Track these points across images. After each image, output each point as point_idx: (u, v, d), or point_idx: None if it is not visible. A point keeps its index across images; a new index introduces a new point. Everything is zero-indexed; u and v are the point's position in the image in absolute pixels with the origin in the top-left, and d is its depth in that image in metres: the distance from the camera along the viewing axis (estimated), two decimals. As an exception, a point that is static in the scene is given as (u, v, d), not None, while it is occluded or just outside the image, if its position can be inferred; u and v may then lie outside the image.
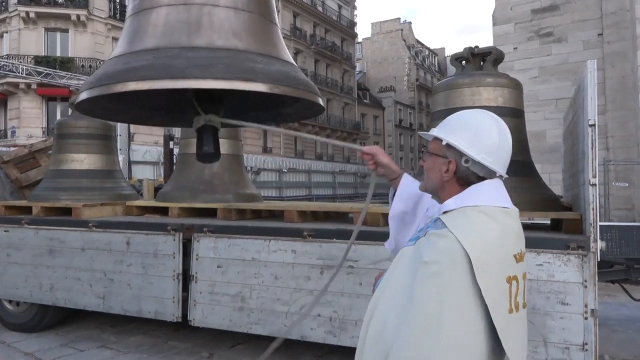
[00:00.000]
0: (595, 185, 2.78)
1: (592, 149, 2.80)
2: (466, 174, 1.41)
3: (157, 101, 2.78)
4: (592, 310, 2.76)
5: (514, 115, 3.72)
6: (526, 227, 3.87)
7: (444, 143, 1.43)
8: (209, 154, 2.27)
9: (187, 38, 2.16)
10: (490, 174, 1.41)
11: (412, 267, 1.33)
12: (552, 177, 9.01)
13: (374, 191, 2.02)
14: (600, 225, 2.86)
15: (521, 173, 3.61)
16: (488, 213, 1.35)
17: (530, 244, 2.96)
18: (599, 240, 2.80)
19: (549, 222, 3.86)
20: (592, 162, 2.79)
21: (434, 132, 1.48)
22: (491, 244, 1.30)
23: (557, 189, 4.97)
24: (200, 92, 2.30)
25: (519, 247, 1.40)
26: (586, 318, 2.77)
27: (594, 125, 2.80)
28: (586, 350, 2.75)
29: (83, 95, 2.18)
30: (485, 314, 1.26)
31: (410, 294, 1.28)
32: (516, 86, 3.76)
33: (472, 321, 1.25)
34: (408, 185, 1.82)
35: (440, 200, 1.48)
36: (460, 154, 1.40)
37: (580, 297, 2.79)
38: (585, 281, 2.79)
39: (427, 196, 1.69)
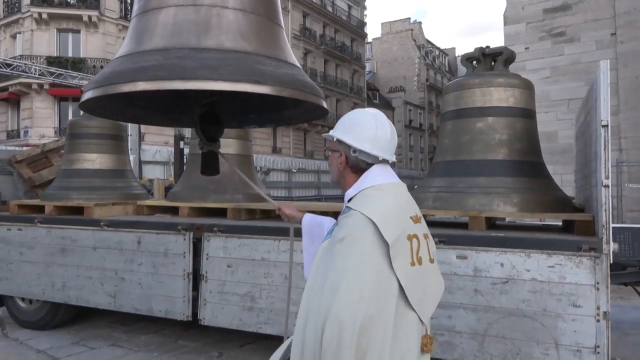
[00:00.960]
0: (608, 186, 2.75)
1: (604, 150, 2.77)
2: (356, 162, 1.68)
3: (158, 101, 2.79)
4: (605, 313, 2.74)
5: (525, 116, 3.70)
6: (537, 228, 3.86)
7: (335, 140, 1.73)
8: (211, 174, 2.71)
9: (197, 39, 2.15)
10: (375, 159, 1.67)
11: (329, 253, 1.55)
12: (564, 179, 8.93)
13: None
14: (612, 227, 2.83)
15: (532, 174, 3.59)
16: (382, 188, 1.64)
17: (542, 245, 2.94)
18: (611, 242, 2.77)
19: (560, 223, 3.83)
20: (605, 163, 2.76)
21: (331, 132, 1.75)
22: (388, 209, 1.57)
23: (569, 190, 4.92)
24: (205, 116, 2.51)
25: (414, 211, 1.68)
26: (598, 320, 2.74)
27: (607, 125, 2.77)
28: (598, 353, 2.73)
29: (89, 94, 2.16)
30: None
31: (327, 269, 1.50)
32: (527, 86, 3.73)
33: (387, 275, 1.48)
34: (308, 222, 2.15)
35: (343, 189, 1.74)
36: (348, 146, 1.67)
37: (593, 300, 2.77)
38: (598, 283, 2.77)
39: (327, 220, 2.08)
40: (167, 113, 2.95)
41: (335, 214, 4.82)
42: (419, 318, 1.56)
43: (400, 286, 1.50)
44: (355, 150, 1.67)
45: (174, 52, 2.09)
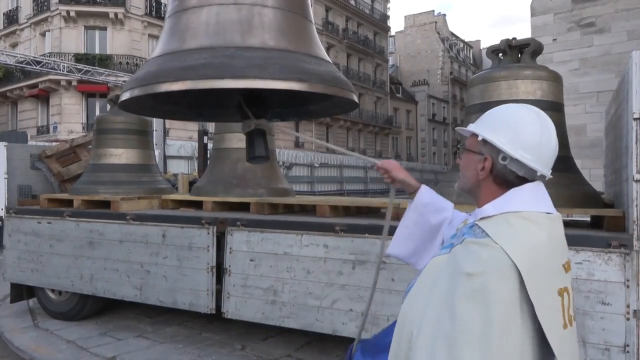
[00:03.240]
0: (639, 181, 2.67)
1: (636, 143, 2.69)
2: (503, 173, 1.31)
3: (188, 97, 2.82)
4: (635, 311, 2.66)
5: (553, 109, 3.61)
6: (565, 224, 3.76)
7: (479, 139, 1.34)
8: (260, 156, 2.33)
9: (241, 37, 2.17)
10: (531, 174, 1.30)
11: (448, 279, 1.22)
12: (593, 173, 8.71)
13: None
14: (644, 223, 2.74)
15: (560, 168, 3.49)
16: (533, 220, 1.24)
17: (569, 241, 2.86)
18: (642, 239, 2.69)
19: (588, 219, 3.74)
20: (636, 157, 2.68)
21: (471, 127, 1.39)
22: (540, 254, 1.19)
23: (598, 185, 4.80)
24: (248, 95, 2.34)
25: (566, 255, 1.31)
26: (628, 319, 2.67)
27: (639, 118, 2.69)
28: (628, 352, 2.66)
29: (136, 92, 2.14)
30: (536, 332, 1.16)
31: (451, 309, 1.16)
32: (555, 79, 3.64)
33: (521, 339, 1.14)
34: (425, 196, 1.77)
35: (477, 201, 1.39)
36: (497, 150, 1.30)
37: (622, 297, 2.70)
38: (628, 281, 2.69)
39: (449, 209, 1.70)
40: (194, 108, 2.99)
41: (358, 210, 4.78)
42: None
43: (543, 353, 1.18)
44: (505, 158, 1.29)
45: (220, 50, 2.10)
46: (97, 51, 24.15)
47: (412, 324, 1.29)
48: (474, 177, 1.38)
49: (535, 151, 1.29)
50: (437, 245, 1.69)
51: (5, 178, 5.53)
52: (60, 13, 23.53)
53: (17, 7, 26.21)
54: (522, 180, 1.31)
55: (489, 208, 1.31)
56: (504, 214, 1.26)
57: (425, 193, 1.78)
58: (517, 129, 1.31)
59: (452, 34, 58.44)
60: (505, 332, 1.12)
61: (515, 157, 1.28)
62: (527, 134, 1.30)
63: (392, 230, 1.84)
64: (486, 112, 1.43)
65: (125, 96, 2.22)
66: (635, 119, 2.69)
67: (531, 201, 1.28)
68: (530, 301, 1.14)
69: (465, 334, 1.13)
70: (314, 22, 2.55)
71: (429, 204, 1.76)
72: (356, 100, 2.46)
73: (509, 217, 1.25)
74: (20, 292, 5.44)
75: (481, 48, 61.59)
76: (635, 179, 2.67)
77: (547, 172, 1.33)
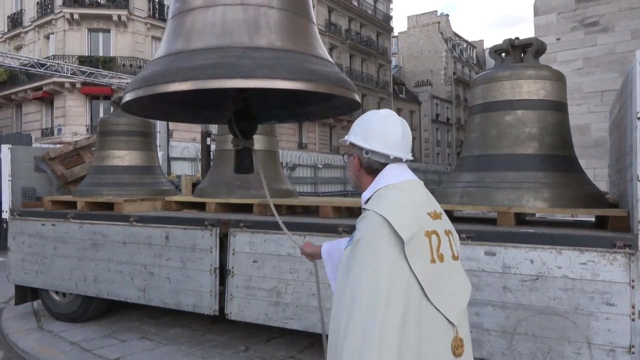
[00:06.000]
0: (643, 181, 2.65)
1: (640, 143, 2.67)
2: (369, 163, 1.67)
3: (186, 97, 2.81)
4: (640, 312, 2.65)
5: (556, 109, 3.60)
6: (569, 224, 3.76)
7: (347, 143, 1.73)
8: (245, 172, 2.67)
9: (248, 38, 2.17)
10: (387, 159, 1.64)
11: (349, 257, 1.53)
12: (597, 173, 8.67)
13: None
14: (649, 223, 2.72)
15: (563, 168, 3.49)
16: (396, 187, 1.61)
17: (574, 241, 2.86)
18: (647, 239, 2.67)
19: (593, 219, 3.72)
20: (641, 157, 2.66)
21: (346, 137, 1.74)
22: (403, 207, 1.53)
23: (602, 185, 4.78)
24: (239, 113, 2.50)
25: (432, 207, 1.63)
26: (633, 320, 2.65)
27: (643, 118, 2.67)
28: (633, 353, 2.64)
29: (140, 92, 2.14)
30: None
31: (349, 270, 1.49)
32: (559, 78, 3.63)
33: (407, 278, 1.43)
34: (326, 251, 2.10)
35: (362, 191, 1.72)
36: (360, 148, 1.67)
37: (627, 298, 2.68)
38: (633, 281, 2.68)
39: (344, 241, 1.97)
40: (193, 109, 2.98)
41: (361, 211, 4.80)
42: (447, 319, 1.49)
43: (420, 284, 1.45)
44: (367, 152, 1.65)
45: (228, 50, 2.10)
46: (100, 53, 24.22)
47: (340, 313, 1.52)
48: (353, 173, 1.74)
49: (383, 141, 1.64)
50: None
51: (9, 180, 5.54)
52: (64, 16, 23.61)
53: (21, 10, 26.33)
54: (385, 167, 1.66)
55: (366, 193, 1.68)
56: (376, 191, 1.63)
57: (324, 246, 2.13)
58: (367, 128, 1.68)
59: (455, 34, 58.34)
60: (392, 276, 1.41)
61: (371, 149, 1.65)
62: (374, 130, 1.67)
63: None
64: (353, 123, 1.78)
65: (130, 96, 2.21)
66: (639, 118, 2.67)
67: (394, 175, 1.64)
68: (402, 241, 1.44)
69: (360, 287, 1.42)
70: (316, 23, 2.56)
71: (329, 252, 2.07)
72: (359, 100, 2.46)
73: (380, 191, 1.62)
74: (24, 294, 5.46)
75: (484, 48, 61.46)
76: (639, 179, 2.66)
77: (402, 154, 1.65)
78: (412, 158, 1.68)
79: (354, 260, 1.48)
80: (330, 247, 2.11)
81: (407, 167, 1.69)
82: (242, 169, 2.64)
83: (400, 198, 1.56)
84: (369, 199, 1.64)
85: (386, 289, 1.39)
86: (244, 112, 2.55)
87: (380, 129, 1.66)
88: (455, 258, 1.60)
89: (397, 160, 1.65)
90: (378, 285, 1.40)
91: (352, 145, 1.71)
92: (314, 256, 2.24)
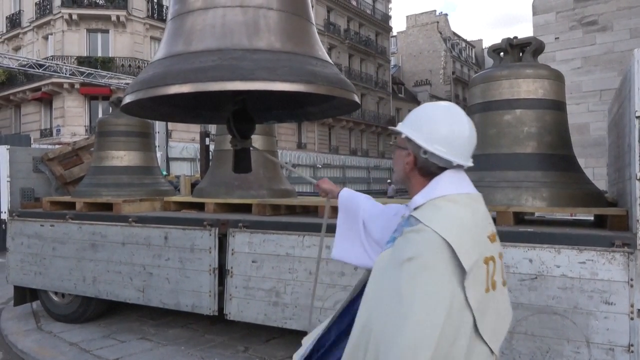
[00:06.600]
0: (642, 179, 2.65)
1: (639, 141, 2.67)
2: (426, 165, 1.48)
3: (186, 98, 2.81)
4: (639, 311, 2.64)
5: (555, 108, 3.60)
6: (568, 223, 3.76)
7: (404, 136, 1.52)
8: (244, 171, 2.67)
9: (248, 40, 2.17)
10: (448, 164, 1.46)
11: (393, 269, 1.35)
12: (596, 172, 8.68)
13: None
14: (648, 222, 2.72)
15: (562, 167, 3.49)
16: (456, 200, 1.42)
17: (573, 241, 2.86)
18: (646, 238, 2.67)
19: (592, 218, 3.72)
20: (639, 156, 2.66)
21: (399, 126, 1.55)
22: (465, 228, 1.36)
23: (601, 184, 4.78)
24: (237, 113, 2.50)
25: (490, 228, 1.48)
26: (632, 318, 2.65)
27: (642, 116, 2.67)
28: (632, 352, 2.64)
29: (140, 95, 2.13)
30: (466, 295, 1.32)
31: (399, 295, 1.30)
32: (557, 77, 3.63)
33: (462, 308, 1.29)
34: (346, 197, 2.05)
35: (409, 191, 1.55)
36: (418, 146, 1.47)
37: (626, 297, 2.68)
38: (632, 280, 2.68)
39: (367, 201, 1.97)
40: (192, 110, 2.98)
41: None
42: (490, 349, 1.38)
43: (474, 317, 1.32)
44: (425, 152, 1.46)
45: (228, 52, 2.10)
46: (99, 54, 24.19)
47: (368, 322, 1.41)
48: (402, 170, 1.55)
49: (448, 144, 1.45)
50: (370, 241, 1.91)
51: (8, 181, 5.54)
52: (62, 16, 23.58)
53: (19, 11, 26.29)
54: (443, 170, 1.48)
55: (418, 198, 1.47)
56: (431, 200, 1.43)
57: (345, 192, 2.06)
58: (432, 126, 1.47)
59: (454, 34, 58.36)
60: (450, 308, 1.27)
61: (432, 151, 1.45)
62: (440, 131, 1.46)
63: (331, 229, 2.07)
64: (412, 111, 1.59)
65: (131, 98, 2.20)
66: (637, 117, 2.68)
67: (453, 185, 1.46)
68: (462, 271, 1.29)
69: (416, 314, 1.26)
70: (315, 23, 2.56)
71: (348, 200, 2.02)
72: (358, 101, 2.47)
73: (435, 202, 1.42)
74: (23, 294, 5.45)
75: (483, 47, 61.48)
76: (638, 178, 2.66)
77: (464, 161, 1.48)
78: (472, 165, 1.50)
79: (403, 281, 1.30)
80: (350, 196, 2.03)
81: (466, 176, 1.51)
82: (240, 169, 2.64)
83: (461, 217, 1.38)
84: (419, 206, 1.45)
85: (441, 324, 1.25)
86: (242, 113, 2.56)
87: (447, 130, 1.46)
88: (504, 284, 1.47)
89: (458, 166, 1.48)
90: (434, 318, 1.26)
91: (409, 139, 1.51)
92: (328, 193, 2.15)
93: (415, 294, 1.27)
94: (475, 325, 1.32)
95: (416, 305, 1.26)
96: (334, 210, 2.13)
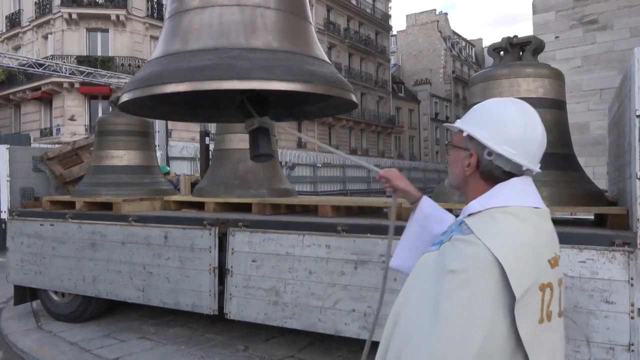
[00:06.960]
0: (642, 178, 2.65)
1: (639, 140, 2.67)
2: (490, 168, 1.30)
3: (184, 97, 2.81)
4: (639, 310, 2.64)
5: (555, 107, 3.60)
6: (568, 222, 3.76)
7: (465, 135, 1.34)
8: (264, 154, 2.31)
9: (245, 39, 2.16)
10: (517, 168, 1.27)
11: (435, 276, 1.22)
12: (596, 171, 8.68)
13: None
14: (648, 221, 2.72)
15: (562, 166, 3.49)
16: (518, 215, 1.23)
17: (573, 240, 2.86)
18: (646, 237, 2.67)
19: (592, 217, 3.72)
20: (639, 155, 2.66)
21: (458, 123, 1.38)
22: (523, 250, 1.17)
23: (601, 183, 4.78)
24: (251, 95, 2.35)
25: (554, 250, 1.27)
26: (632, 318, 2.65)
27: (642, 115, 2.66)
28: (632, 351, 2.64)
29: (137, 93, 2.13)
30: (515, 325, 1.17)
31: (435, 306, 1.17)
32: (558, 76, 3.62)
33: (505, 335, 1.14)
34: (426, 207, 1.73)
35: (465, 197, 1.37)
36: (482, 146, 1.29)
37: (627, 296, 2.68)
38: (632, 279, 2.67)
39: (450, 220, 1.62)
40: (190, 108, 2.98)
41: (360, 210, 4.78)
42: None
43: (522, 348, 1.16)
44: (491, 153, 1.28)
45: (225, 51, 2.10)
46: (99, 53, 24.19)
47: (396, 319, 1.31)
48: (461, 173, 1.36)
49: (519, 146, 1.27)
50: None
51: (7, 180, 5.53)
52: (62, 15, 23.58)
53: (19, 10, 26.29)
54: (509, 176, 1.29)
55: (475, 204, 1.30)
56: (489, 210, 1.25)
57: (427, 204, 1.74)
58: (500, 123, 1.29)
59: (454, 33, 58.34)
60: (487, 330, 1.12)
61: (499, 152, 1.27)
62: (510, 129, 1.28)
63: (397, 231, 1.81)
64: (472, 107, 1.41)
65: (127, 97, 2.20)
66: (637, 116, 2.67)
67: (517, 196, 1.27)
68: (512, 296, 1.13)
69: (446, 329, 1.13)
70: (313, 23, 2.56)
71: (430, 216, 1.71)
72: (356, 101, 2.46)
73: (493, 213, 1.24)
74: (23, 294, 5.45)
75: (483, 46, 61.50)
76: (638, 177, 2.65)
77: (534, 166, 1.30)
78: (540, 170, 1.32)
79: (442, 294, 1.17)
80: (433, 211, 1.71)
81: (534, 186, 1.32)
82: (259, 154, 2.28)
83: (521, 234, 1.20)
84: (474, 213, 1.28)
85: (474, 344, 1.11)
86: (256, 94, 2.34)
87: (519, 130, 1.27)
88: (560, 314, 1.28)
89: (527, 172, 1.30)
90: (466, 336, 1.12)
91: (470, 138, 1.32)
92: (399, 193, 1.79)
93: (451, 308, 1.14)
94: (523, 357, 1.16)
95: (450, 320, 1.13)
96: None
